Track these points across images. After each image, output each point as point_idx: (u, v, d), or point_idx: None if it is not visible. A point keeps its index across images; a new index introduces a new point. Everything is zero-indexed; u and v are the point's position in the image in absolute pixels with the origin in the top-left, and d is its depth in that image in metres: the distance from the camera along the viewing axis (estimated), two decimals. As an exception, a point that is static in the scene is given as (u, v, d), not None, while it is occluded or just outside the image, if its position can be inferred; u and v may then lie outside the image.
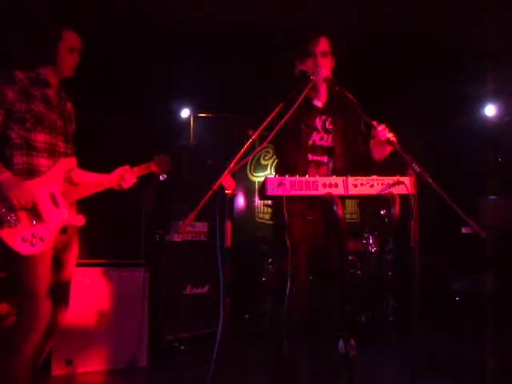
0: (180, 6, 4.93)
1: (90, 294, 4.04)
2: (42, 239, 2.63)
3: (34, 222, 2.64)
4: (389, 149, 2.61)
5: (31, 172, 2.70)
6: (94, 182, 2.93)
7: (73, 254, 2.91)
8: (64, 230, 2.79)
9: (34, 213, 2.64)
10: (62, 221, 2.76)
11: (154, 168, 3.16)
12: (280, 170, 2.85)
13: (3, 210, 2.55)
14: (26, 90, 2.72)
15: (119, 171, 3.02)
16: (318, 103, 2.89)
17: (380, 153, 2.72)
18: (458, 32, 5.31)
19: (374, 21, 5.16)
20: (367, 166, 2.86)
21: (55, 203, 2.74)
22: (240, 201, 6.92)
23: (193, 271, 4.82)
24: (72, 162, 2.89)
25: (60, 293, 2.83)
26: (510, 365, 4.13)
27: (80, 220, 2.86)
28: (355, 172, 2.83)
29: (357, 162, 2.92)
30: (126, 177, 3.02)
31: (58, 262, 2.81)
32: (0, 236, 2.54)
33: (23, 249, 2.57)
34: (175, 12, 5.03)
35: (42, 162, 2.74)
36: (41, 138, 2.73)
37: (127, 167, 3.05)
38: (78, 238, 2.94)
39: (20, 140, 2.68)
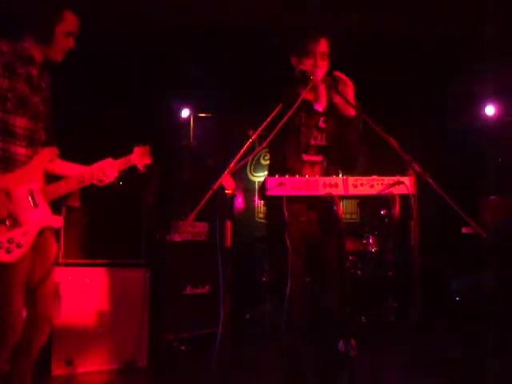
0: (181, 5, 4.94)
1: (90, 293, 4.03)
2: (18, 245, 2.36)
3: (10, 226, 2.36)
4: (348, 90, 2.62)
5: (7, 160, 2.40)
6: (74, 178, 2.63)
7: (50, 256, 2.64)
8: (41, 232, 2.51)
9: (11, 216, 2.38)
10: (41, 223, 2.49)
11: (134, 161, 2.81)
12: (275, 170, 2.80)
13: None
14: (10, 64, 2.39)
15: (100, 164, 2.70)
16: (316, 103, 2.88)
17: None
18: (458, 32, 5.32)
19: (374, 21, 5.17)
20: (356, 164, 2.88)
21: (34, 203, 2.47)
22: (240, 201, 6.91)
23: (193, 271, 4.82)
24: (53, 151, 2.61)
25: (39, 298, 2.56)
26: (510, 364, 4.13)
27: (58, 222, 2.58)
28: (347, 170, 2.85)
29: (350, 161, 2.92)
30: (107, 170, 2.69)
31: (33, 267, 2.53)
32: None
33: None
34: (176, 12, 5.04)
35: (20, 150, 2.45)
36: (21, 123, 2.43)
37: (110, 160, 2.73)
38: (54, 239, 2.67)
39: None
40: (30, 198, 2.47)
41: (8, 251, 2.34)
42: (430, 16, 5.10)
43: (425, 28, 5.28)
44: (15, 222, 2.39)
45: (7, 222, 2.36)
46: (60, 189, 2.60)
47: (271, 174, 2.66)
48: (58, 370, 3.84)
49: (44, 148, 2.58)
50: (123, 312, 4.14)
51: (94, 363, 4.00)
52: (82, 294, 4.00)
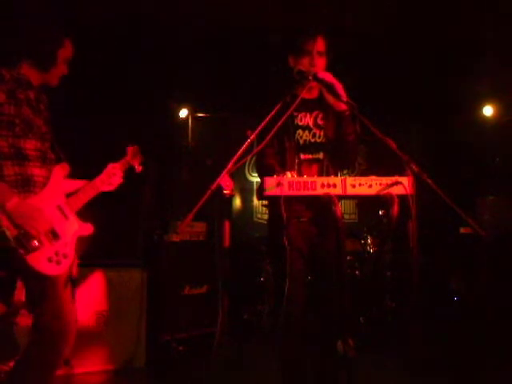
0: (179, 5, 4.93)
1: (88, 294, 4.03)
2: (65, 256, 2.53)
3: (52, 240, 2.50)
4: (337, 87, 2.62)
5: (26, 183, 2.49)
6: (89, 187, 2.80)
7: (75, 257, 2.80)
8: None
9: (50, 230, 2.51)
10: (76, 233, 2.67)
11: (130, 161, 3.02)
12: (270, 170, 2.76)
13: (22, 236, 2.38)
14: (13, 91, 2.49)
15: (108, 169, 2.90)
16: (311, 100, 2.87)
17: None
18: (458, 31, 5.32)
19: (374, 20, 5.16)
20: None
21: (64, 216, 2.63)
22: (238, 201, 6.91)
23: (191, 271, 4.81)
24: (65, 167, 2.74)
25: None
26: (510, 364, 4.14)
27: (89, 228, 2.76)
28: (345, 169, 2.84)
29: (348, 160, 2.93)
30: (114, 174, 2.90)
31: None
32: (27, 262, 2.38)
33: (51, 270, 2.45)
34: (175, 11, 5.03)
35: (36, 171, 2.54)
36: (31, 146, 2.53)
37: (113, 164, 2.93)
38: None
39: (9, 149, 2.45)
40: (60, 213, 2.62)
41: (58, 263, 2.49)
42: (430, 16, 5.10)
43: (425, 28, 5.28)
44: (55, 236, 2.53)
45: (49, 237, 2.50)
46: (80, 199, 2.75)
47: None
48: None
49: (56, 166, 2.69)
50: (121, 312, 4.14)
51: (92, 363, 4.00)
52: (80, 294, 3.99)
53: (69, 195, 2.74)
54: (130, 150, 3.05)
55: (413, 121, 6.92)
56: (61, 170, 2.70)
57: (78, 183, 2.84)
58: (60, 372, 3.84)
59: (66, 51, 2.67)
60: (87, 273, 4.07)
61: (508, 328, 4.71)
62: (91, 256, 4.17)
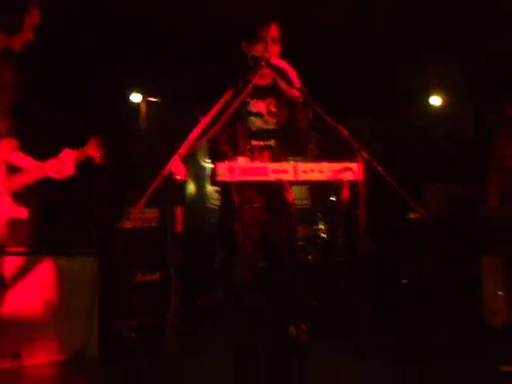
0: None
1: (39, 283, 3.95)
2: None
3: None
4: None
5: None
6: (34, 168, 2.68)
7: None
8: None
9: None
10: (6, 215, 2.53)
11: (90, 152, 2.86)
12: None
13: None
14: None
15: (59, 156, 2.73)
16: (264, 86, 2.88)
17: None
18: (406, 25, 5.42)
19: (323, 14, 5.20)
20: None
21: None
22: (192, 187, 6.88)
23: (143, 258, 4.76)
24: (12, 143, 2.61)
25: None
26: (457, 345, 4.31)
27: (23, 212, 2.62)
28: (297, 155, 2.89)
29: (300, 146, 2.96)
30: (66, 162, 2.72)
31: None
32: None
33: None
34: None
35: None
36: None
37: (68, 151, 2.75)
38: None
39: None
40: None
41: None
42: (380, 9, 5.17)
43: (373, 21, 5.35)
44: None
45: None
46: (22, 179, 2.63)
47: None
48: (3, 363, 3.73)
49: (2, 140, 2.56)
50: (72, 301, 4.08)
51: (43, 355, 3.92)
52: (31, 283, 3.90)
53: (16, 170, 2.62)
54: (93, 141, 2.89)
55: (364, 108, 7.02)
56: (6, 146, 2.57)
57: (28, 160, 2.72)
58: (9, 365, 3.75)
59: (33, 18, 2.57)
60: (38, 261, 3.97)
61: (455, 307, 4.89)
62: (41, 244, 4.09)
